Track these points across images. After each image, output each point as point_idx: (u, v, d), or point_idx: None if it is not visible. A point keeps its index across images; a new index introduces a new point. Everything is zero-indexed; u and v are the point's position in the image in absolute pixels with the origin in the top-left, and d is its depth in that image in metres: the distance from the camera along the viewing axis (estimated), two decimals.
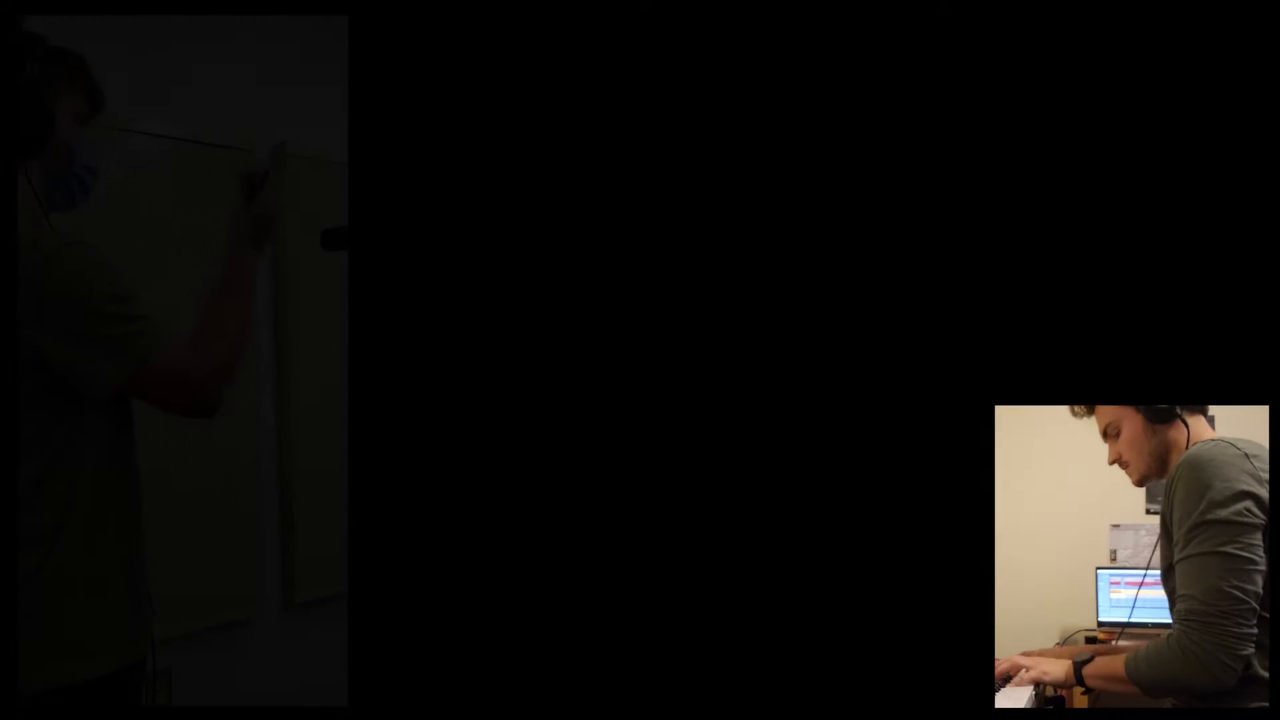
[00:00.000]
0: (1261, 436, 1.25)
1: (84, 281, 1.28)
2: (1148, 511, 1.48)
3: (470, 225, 1.19)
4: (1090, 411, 1.33)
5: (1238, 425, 1.34)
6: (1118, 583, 1.54)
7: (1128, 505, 1.41)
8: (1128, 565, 1.52)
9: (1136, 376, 1.17)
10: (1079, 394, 1.22)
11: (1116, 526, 1.56)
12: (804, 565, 1.16)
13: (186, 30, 2.40)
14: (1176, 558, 1.23)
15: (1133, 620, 1.46)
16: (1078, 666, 1.29)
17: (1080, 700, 1.30)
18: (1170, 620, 1.32)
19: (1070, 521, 1.54)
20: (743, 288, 1.17)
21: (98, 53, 1.50)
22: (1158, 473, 1.33)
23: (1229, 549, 1.19)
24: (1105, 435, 1.34)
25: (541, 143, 1.18)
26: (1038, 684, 1.32)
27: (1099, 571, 1.56)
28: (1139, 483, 1.36)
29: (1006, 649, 1.30)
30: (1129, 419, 1.31)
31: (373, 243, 1.19)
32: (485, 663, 1.18)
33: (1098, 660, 1.30)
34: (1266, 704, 1.17)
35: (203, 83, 2.44)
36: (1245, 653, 1.17)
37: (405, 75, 1.19)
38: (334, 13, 2.37)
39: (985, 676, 1.18)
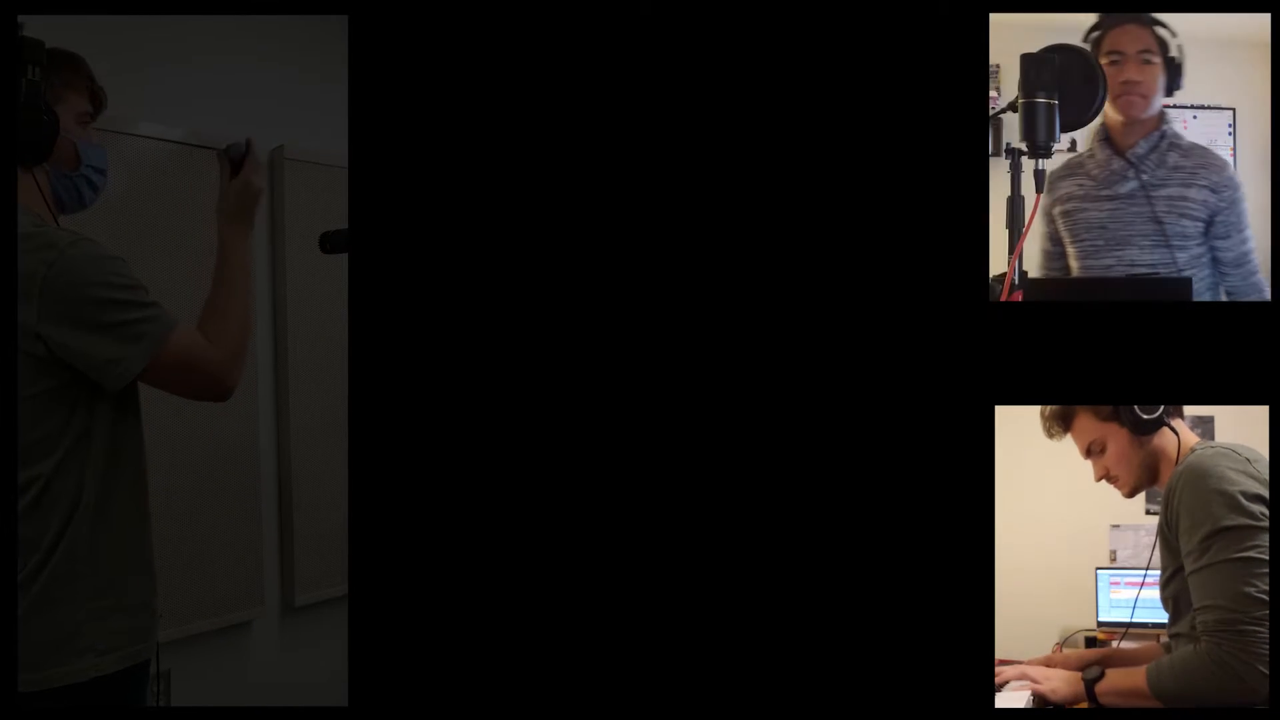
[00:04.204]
0: (1244, 440, 1.25)
1: (94, 274, 1.30)
2: (1148, 512, 1.48)
3: (470, 227, 1.19)
4: (1066, 430, 1.31)
5: (1227, 429, 1.34)
6: (1118, 583, 1.54)
7: (1128, 505, 1.41)
8: (1128, 565, 1.52)
9: (1135, 377, 1.17)
10: (1079, 394, 1.22)
11: (1116, 526, 1.56)
12: (804, 565, 1.16)
13: (186, 31, 2.40)
14: (1192, 567, 1.20)
15: (1133, 620, 1.46)
16: (1089, 684, 1.26)
17: (1080, 700, 1.29)
18: (1167, 622, 1.31)
19: (1070, 521, 1.54)
20: (744, 289, 1.17)
21: (97, 54, 1.50)
22: (1149, 483, 1.32)
23: (1253, 553, 1.16)
24: (1088, 453, 1.32)
25: (541, 144, 1.18)
26: (1044, 699, 1.30)
27: (1099, 571, 1.56)
28: (1129, 495, 1.34)
29: (1006, 649, 1.29)
30: (1113, 435, 1.29)
31: (372, 245, 1.19)
32: (485, 663, 1.18)
33: (1110, 675, 1.25)
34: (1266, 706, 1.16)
35: (202, 85, 2.44)
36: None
37: (405, 76, 1.19)
38: (334, 13, 2.38)
39: (985, 677, 1.18)
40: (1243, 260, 1.38)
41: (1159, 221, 1.36)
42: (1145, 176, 1.39)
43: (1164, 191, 1.38)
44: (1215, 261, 1.38)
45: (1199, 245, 1.37)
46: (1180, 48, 1.34)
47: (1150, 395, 1.22)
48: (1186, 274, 1.38)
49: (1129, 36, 1.34)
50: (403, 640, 1.18)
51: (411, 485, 1.18)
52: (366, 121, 1.20)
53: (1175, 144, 1.40)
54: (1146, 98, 1.35)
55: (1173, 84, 1.35)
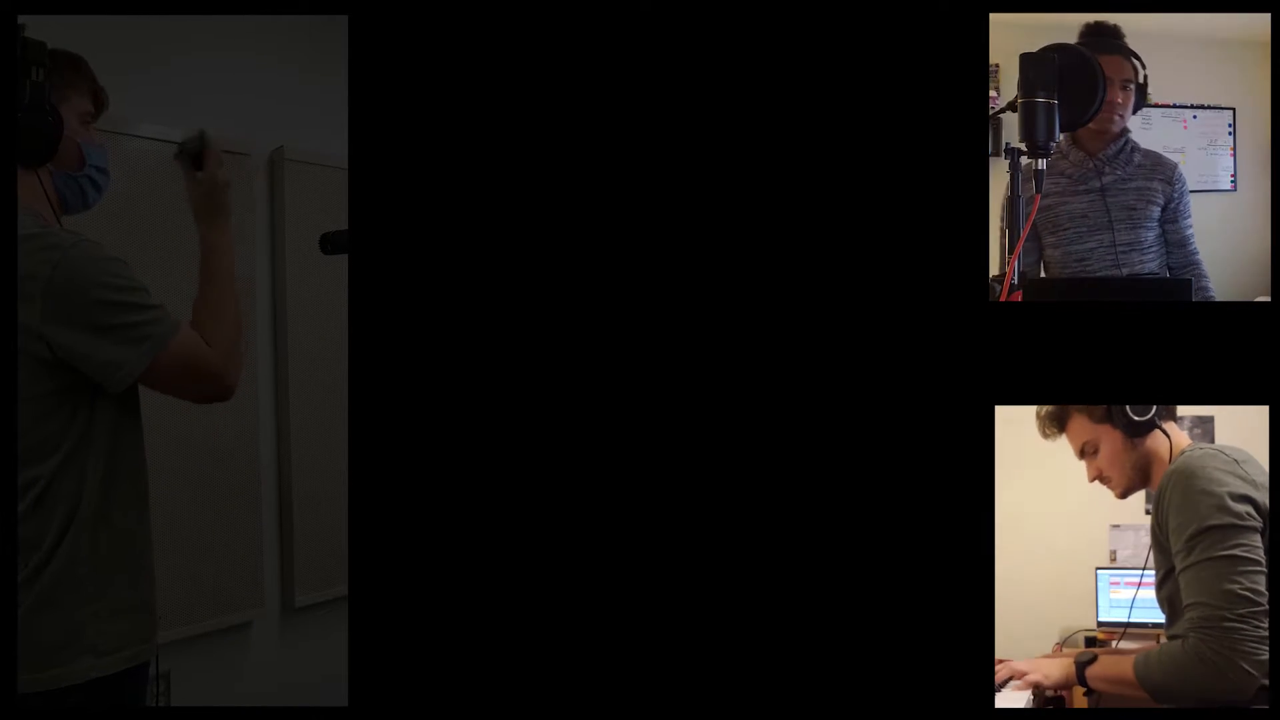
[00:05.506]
0: (1245, 441, 1.25)
1: (97, 276, 1.31)
2: (1147, 512, 1.48)
3: (470, 228, 1.19)
4: (1061, 431, 1.32)
5: (1227, 429, 1.34)
6: (1118, 583, 1.54)
7: (1128, 505, 1.41)
8: (1128, 565, 1.52)
9: (1135, 377, 1.17)
10: (1079, 394, 1.22)
11: (1116, 526, 1.56)
12: (805, 565, 1.16)
13: (185, 32, 2.40)
14: (1180, 566, 1.21)
15: (1132, 620, 1.46)
16: (1080, 667, 1.28)
17: (1080, 700, 1.30)
18: (1165, 623, 1.31)
19: (1070, 521, 1.54)
20: (743, 289, 1.17)
21: (97, 54, 1.50)
22: (1141, 485, 1.33)
23: (1237, 551, 1.17)
24: (1082, 454, 1.33)
25: (542, 144, 1.18)
26: (1038, 687, 1.31)
27: (1099, 571, 1.56)
28: (1122, 496, 1.35)
29: (1007, 649, 1.30)
30: (1106, 436, 1.30)
31: (372, 246, 1.20)
32: (485, 663, 1.18)
33: (1102, 660, 1.27)
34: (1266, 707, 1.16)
35: (202, 85, 2.44)
36: (1262, 657, 1.14)
37: (405, 76, 1.19)
38: (334, 13, 2.38)
39: (985, 677, 1.18)
40: (1186, 241, 1.67)
41: (1131, 208, 1.66)
42: (1119, 172, 1.67)
43: (1133, 184, 1.67)
44: (1165, 242, 1.68)
45: (1160, 226, 1.68)
46: (1145, 76, 1.62)
47: (1150, 395, 1.23)
48: (1156, 250, 1.66)
49: (1113, 66, 1.57)
50: (403, 640, 1.18)
51: (411, 485, 1.18)
52: (366, 121, 1.20)
53: (1136, 148, 1.69)
54: (1123, 117, 1.64)
55: (1139, 105, 1.65)
